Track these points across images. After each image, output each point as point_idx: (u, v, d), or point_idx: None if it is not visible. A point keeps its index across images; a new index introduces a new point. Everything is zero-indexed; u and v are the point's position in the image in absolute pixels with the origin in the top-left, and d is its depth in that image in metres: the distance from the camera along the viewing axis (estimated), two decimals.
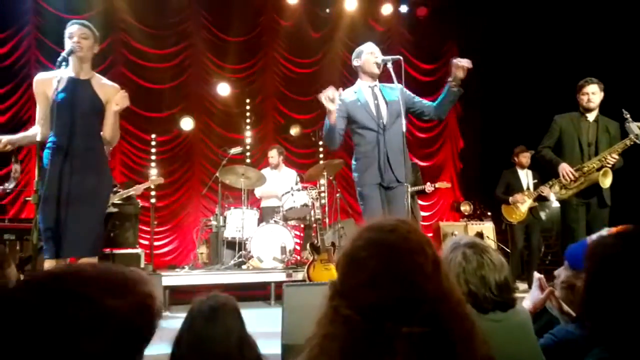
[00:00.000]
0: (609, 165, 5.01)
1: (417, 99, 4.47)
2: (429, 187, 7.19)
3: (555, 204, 7.17)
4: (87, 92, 3.71)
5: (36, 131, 3.55)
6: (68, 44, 3.65)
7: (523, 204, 7.10)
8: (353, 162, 4.50)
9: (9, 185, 3.73)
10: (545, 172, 6.51)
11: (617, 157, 5.01)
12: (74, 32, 3.69)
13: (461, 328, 1.10)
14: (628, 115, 4.99)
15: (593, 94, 5.15)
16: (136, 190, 7.07)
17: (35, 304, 0.94)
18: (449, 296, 1.12)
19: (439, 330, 1.06)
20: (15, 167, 3.68)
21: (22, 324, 0.91)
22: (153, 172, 9.29)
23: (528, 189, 7.26)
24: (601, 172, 5.01)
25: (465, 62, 4.10)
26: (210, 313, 1.91)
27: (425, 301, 1.07)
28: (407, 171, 4.42)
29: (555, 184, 5.36)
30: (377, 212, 4.25)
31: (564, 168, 5.14)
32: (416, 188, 7.17)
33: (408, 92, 4.45)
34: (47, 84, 3.64)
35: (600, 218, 5.11)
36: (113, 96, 3.79)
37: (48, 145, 3.42)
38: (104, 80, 3.92)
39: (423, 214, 9.57)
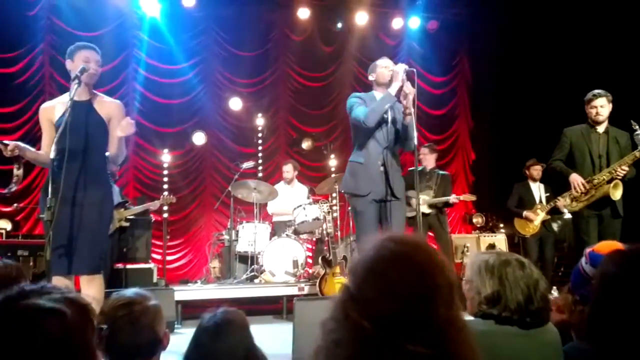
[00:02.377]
0: (619, 178, 4.99)
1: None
2: (452, 199, 7.14)
3: (568, 216, 7.14)
4: (89, 114, 3.77)
5: (46, 154, 3.61)
6: (79, 64, 3.69)
7: (536, 218, 7.09)
8: (351, 161, 4.54)
9: (11, 189, 3.74)
10: (557, 185, 6.48)
11: (627, 169, 4.98)
12: (90, 57, 3.76)
13: (465, 353, 1.09)
14: (637, 127, 4.96)
15: (601, 107, 5.13)
16: (148, 207, 7.11)
17: None
18: (456, 321, 1.12)
19: (443, 354, 1.05)
20: (17, 173, 3.71)
21: None
22: (165, 186, 9.34)
23: (540, 202, 7.25)
24: (612, 184, 4.98)
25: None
26: (215, 329, 1.93)
27: (436, 323, 1.07)
28: (405, 186, 4.53)
29: (566, 196, 5.34)
30: (370, 227, 4.31)
31: (575, 179, 5.12)
32: (441, 200, 7.13)
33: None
34: (51, 111, 3.77)
35: (612, 229, 5.08)
36: (114, 113, 3.86)
37: (54, 165, 3.45)
38: (105, 97, 3.98)
39: None
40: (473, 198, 7.39)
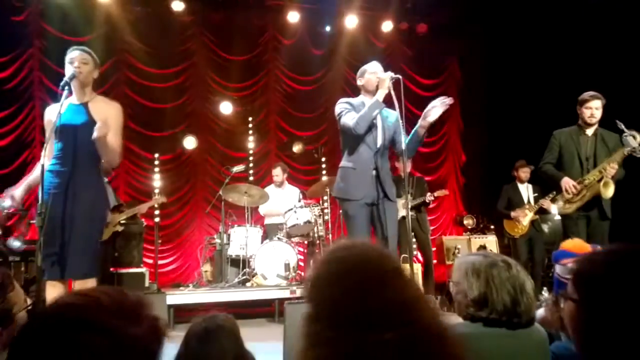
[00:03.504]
0: (609, 176, 5.02)
1: (400, 130, 4.46)
2: (428, 197, 7.25)
3: (557, 217, 7.21)
4: (84, 117, 3.77)
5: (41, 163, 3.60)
6: (69, 69, 3.72)
7: (524, 218, 7.14)
8: (342, 166, 4.55)
9: (5, 204, 3.75)
10: (545, 186, 6.53)
11: (616, 167, 5.01)
12: (74, 58, 3.76)
13: (433, 330, 1.10)
14: (623, 127, 4.99)
15: (596, 109, 5.15)
16: (140, 209, 7.11)
17: (56, 336, 0.96)
18: (416, 302, 1.13)
19: (412, 334, 1.06)
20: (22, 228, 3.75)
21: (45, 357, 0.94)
22: (157, 191, 9.33)
23: (529, 202, 7.31)
24: (602, 183, 5.01)
25: (449, 101, 4.25)
26: (204, 335, 1.94)
27: (396, 308, 1.08)
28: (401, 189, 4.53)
29: (559, 199, 5.37)
30: (362, 231, 4.33)
31: (567, 182, 5.16)
32: (417, 200, 7.22)
33: (399, 121, 4.43)
34: (52, 113, 3.76)
35: (600, 231, 5.12)
36: (110, 116, 3.83)
37: (49, 169, 3.46)
38: (104, 101, 3.96)
39: None
40: (446, 193, 7.57)
